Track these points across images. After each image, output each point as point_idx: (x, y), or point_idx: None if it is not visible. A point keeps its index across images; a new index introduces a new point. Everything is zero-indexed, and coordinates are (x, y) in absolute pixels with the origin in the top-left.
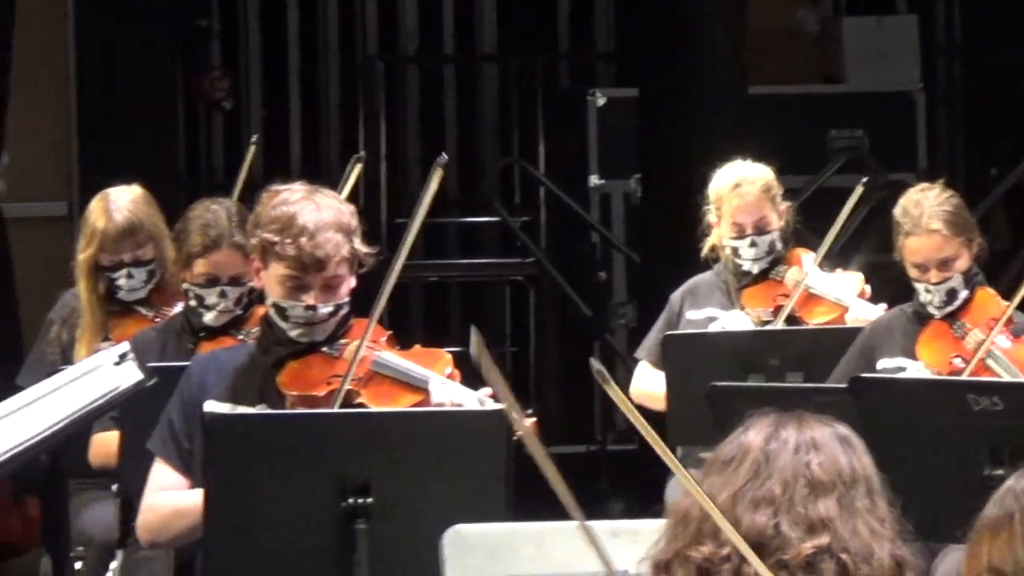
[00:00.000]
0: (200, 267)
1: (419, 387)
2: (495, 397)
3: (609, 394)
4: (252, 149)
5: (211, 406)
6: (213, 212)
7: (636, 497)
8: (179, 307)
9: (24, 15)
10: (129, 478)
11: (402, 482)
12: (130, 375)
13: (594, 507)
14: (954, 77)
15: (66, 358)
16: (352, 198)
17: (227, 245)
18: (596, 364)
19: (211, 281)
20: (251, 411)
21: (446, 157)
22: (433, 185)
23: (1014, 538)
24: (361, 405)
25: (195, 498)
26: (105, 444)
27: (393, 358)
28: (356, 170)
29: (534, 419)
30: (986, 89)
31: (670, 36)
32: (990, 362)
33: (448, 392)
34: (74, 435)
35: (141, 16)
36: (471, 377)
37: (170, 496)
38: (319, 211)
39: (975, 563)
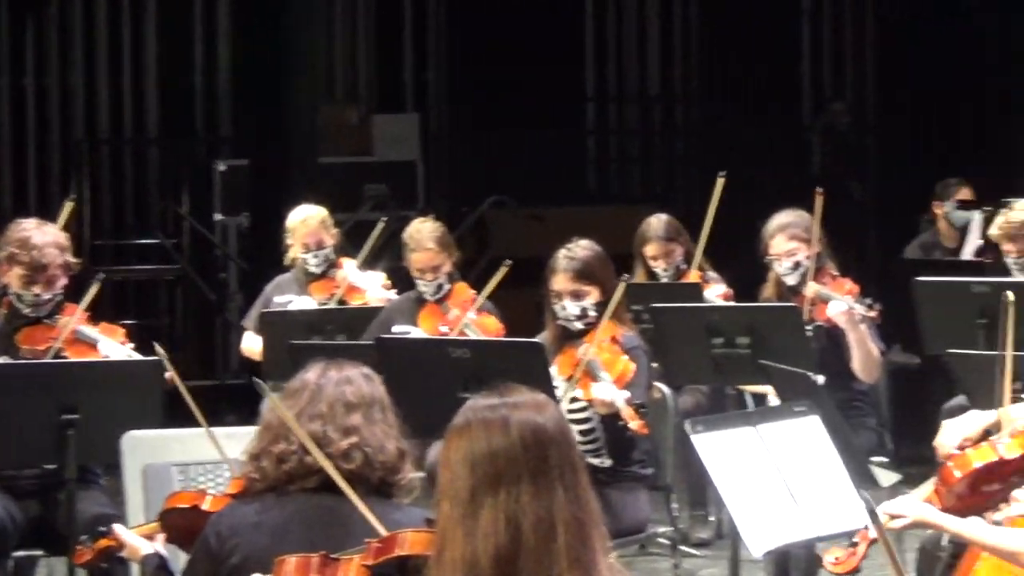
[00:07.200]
0: None
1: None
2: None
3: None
4: None
5: None
6: None
7: (247, 415)
8: None
9: None
10: None
11: (96, 405)
12: None
13: (216, 422)
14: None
15: None
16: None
17: None
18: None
19: None
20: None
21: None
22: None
23: (469, 436)
24: (65, 357)
25: None
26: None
27: (87, 329)
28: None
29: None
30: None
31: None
32: (466, 329)
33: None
34: None
35: None
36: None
37: None
38: (44, 234)
39: (446, 452)
